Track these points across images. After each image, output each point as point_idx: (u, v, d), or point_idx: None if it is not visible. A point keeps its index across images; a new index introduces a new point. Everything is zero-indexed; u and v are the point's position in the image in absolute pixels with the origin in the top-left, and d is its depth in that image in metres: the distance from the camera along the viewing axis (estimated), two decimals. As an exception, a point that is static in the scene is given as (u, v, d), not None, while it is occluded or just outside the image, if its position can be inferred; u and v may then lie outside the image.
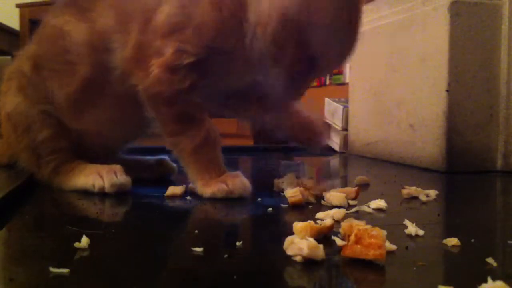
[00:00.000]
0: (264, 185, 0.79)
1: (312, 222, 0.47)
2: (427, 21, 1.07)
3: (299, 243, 0.40)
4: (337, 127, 1.50)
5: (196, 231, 0.49)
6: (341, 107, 1.48)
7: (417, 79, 1.10)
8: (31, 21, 2.90)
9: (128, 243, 0.49)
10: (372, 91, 1.30)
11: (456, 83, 1.00)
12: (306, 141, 0.85)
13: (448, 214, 0.68)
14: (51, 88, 0.77)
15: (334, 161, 1.38)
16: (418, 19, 1.10)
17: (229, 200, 0.67)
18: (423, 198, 0.70)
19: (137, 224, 0.58)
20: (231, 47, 0.69)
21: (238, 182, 0.69)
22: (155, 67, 0.68)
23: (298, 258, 0.40)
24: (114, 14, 0.73)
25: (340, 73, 2.15)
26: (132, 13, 0.72)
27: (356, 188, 0.68)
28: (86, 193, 0.73)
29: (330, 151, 1.51)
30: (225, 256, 0.42)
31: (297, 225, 0.46)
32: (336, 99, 1.55)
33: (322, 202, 0.66)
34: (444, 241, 0.46)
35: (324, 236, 0.47)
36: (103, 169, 0.74)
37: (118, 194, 0.72)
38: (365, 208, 0.62)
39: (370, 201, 0.63)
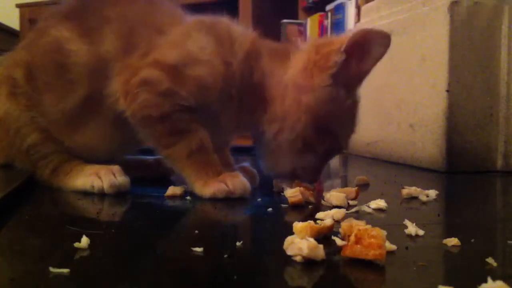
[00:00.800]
0: (264, 185, 0.79)
1: (312, 222, 0.47)
2: (427, 21, 1.07)
3: (299, 243, 0.40)
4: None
5: (196, 231, 0.49)
6: (341, 107, 1.47)
7: (417, 79, 1.10)
8: (31, 21, 2.89)
9: (128, 243, 0.49)
10: (372, 91, 1.30)
11: (456, 83, 1.00)
12: None
13: (448, 214, 0.68)
14: (44, 101, 0.76)
15: (334, 161, 1.37)
16: (418, 19, 1.10)
17: (229, 200, 0.67)
18: (423, 198, 0.70)
19: (137, 224, 0.58)
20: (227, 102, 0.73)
21: (238, 182, 0.68)
22: (145, 93, 0.69)
23: (298, 258, 0.40)
24: (119, 43, 0.73)
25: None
26: (135, 45, 0.73)
27: (356, 188, 0.68)
28: (86, 193, 0.73)
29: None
30: (225, 256, 0.42)
31: (297, 225, 0.46)
32: (336, 99, 1.55)
33: (322, 202, 0.66)
34: (444, 241, 0.46)
35: (324, 236, 0.47)
36: (102, 169, 0.74)
37: (118, 194, 0.72)
38: (365, 208, 0.62)
39: (370, 201, 0.64)
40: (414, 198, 0.70)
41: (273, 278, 0.38)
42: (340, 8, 2.05)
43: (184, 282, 0.38)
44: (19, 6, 2.96)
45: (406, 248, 0.45)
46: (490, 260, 0.40)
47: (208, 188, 0.68)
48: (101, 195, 0.72)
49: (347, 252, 0.40)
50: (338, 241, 0.44)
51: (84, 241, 0.44)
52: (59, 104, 0.75)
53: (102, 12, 0.76)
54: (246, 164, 0.88)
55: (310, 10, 2.35)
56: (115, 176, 0.73)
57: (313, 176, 0.75)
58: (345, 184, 0.93)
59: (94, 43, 0.74)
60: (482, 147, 1.02)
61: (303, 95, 0.70)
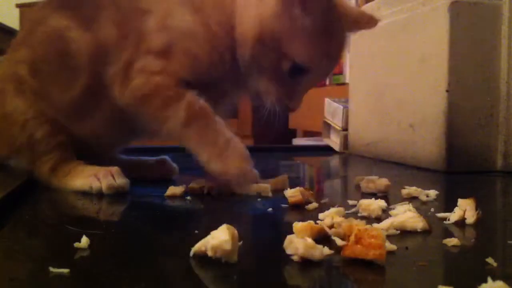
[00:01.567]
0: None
1: (312, 222, 0.47)
2: (427, 21, 1.07)
3: (297, 242, 0.40)
4: (337, 127, 1.50)
5: (196, 231, 0.49)
6: (341, 107, 1.47)
7: (417, 79, 1.10)
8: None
9: (128, 243, 0.49)
10: (372, 91, 1.30)
11: (456, 83, 1.00)
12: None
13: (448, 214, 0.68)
14: (51, 92, 0.77)
15: (334, 161, 1.38)
16: (418, 19, 1.10)
17: (229, 200, 0.67)
18: (423, 198, 0.70)
19: (137, 224, 0.58)
20: (221, 66, 0.73)
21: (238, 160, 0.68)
22: (140, 78, 0.70)
23: (295, 258, 0.40)
24: (115, 30, 0.74)
25: (340, 73, 2.15)
26: (130, 32, 0.73)
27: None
28: (86, 193, 0.73)
29: (330, 151, 1.51)
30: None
31: (297, 225, 0.46)
32: (336, 99, 1.55)
33: (322, 201, 0.66)
34: (444, 241, 0.46)
35: (324, 236, 0.47)
36: (101, 171, 0.74)
37: (117, 194, 0.72)
38: (365, 208, 0.62)
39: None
40: (414, 198, 0.70)
41: (273, 278, 0.38)
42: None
43: (184, 282, 0.38)
44: (19, 6, 2.96)
45: (406, 248, 0.45)
46: (490, 260, 0.40)
47: (218, 163, 0.68)
48: (101, 195, 0.72)
49: (347, 252, 0.40)
50: (338, 241, 0.44)
51: (84, 241, 0.44)
52: (66, 92, 0.76)
53: (96, 0, 0.77)
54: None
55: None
56: (114, 178, 0.73)
57: (278, 102, 0.73)
58: (345, 184, 0.93)
59: (92, 30, 0.75)
60: (482, 147, 1.02)
61: (255, 10, 0.69)
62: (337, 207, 0.56)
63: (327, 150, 1.53)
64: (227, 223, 0.42)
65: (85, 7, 0.77)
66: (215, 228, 0.41)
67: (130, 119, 0.76)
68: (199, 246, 0.41)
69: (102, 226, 0.57)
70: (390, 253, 0.43)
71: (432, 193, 0.71)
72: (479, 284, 0.32)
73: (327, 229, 0.47)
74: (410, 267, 0.40)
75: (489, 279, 0.33)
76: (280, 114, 0.73)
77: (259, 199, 0.68)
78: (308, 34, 0.68)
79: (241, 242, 0.41)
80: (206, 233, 0.41)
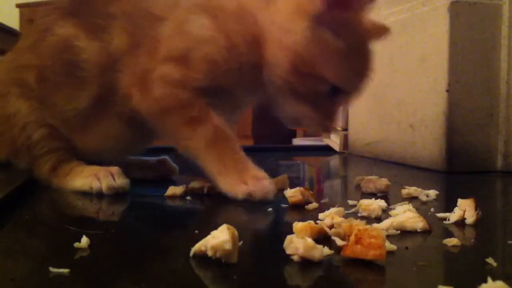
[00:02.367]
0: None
1: (312, 222, 0.47)
2: (427, 21, 1.07)
3: (297, 242, 0.40)
4: (337, 127, 1.50)
5: (196, 231, 0.49)
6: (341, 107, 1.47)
7: (417, 79, 1.10)
8: (31, 21, 2.90)
9: (128, 243, 0.49)
10: (372, 91, 1.30)
11: (456, 83, 1.00)
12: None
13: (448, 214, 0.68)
14: (56, 102, 0.76)
15: (334, 161, 1.38)
16: (418, 19, 1.10)
17: (229, 200, 0.67)
18: (423, 198, 0.70)
19: (137, 224, 0.58)
20: (239, 76, 0.72)
21: (260, 185, 0.67)
22: (161, 87, 0.70)
23: (295, 258, 0.40)
24: (127, 38, 0.73)
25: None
26: (143, 40, 0.73)
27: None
28: (85, 193, 0.73)
29: (330, 151, 1.51)
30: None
31: (297, 225, 0.46)
32: (336, 99, 1.55)
33: (322, 201, 0.66)
34: (444, 241, 0.46)
35: (324, 236, 0.47)
36: (101, 171, 0.74)
37: (118, 194, 0.72)
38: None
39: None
40: (414, 198, 0.70)
41: (272, 278, 0.38)
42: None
43: (184, 282, 0.38)
44: (19, 6, 2.97)
45: (406, 248, 0.45)
46: (490, 260, 0.40)
47: (232, 187, 0.67)
48: (101, 195, 0.72)
49: (347, 252, 0.40)
50: (338, 241, 0.44)
51: (84, 241, 0.44)
52: (71, 103, 0.76)
53: (107, 9, 0.76)
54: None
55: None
56: (113, 178, 0.73)
57: (319, 125, 0.73)
58: (345, 184, 0.93)
59: (103, 40, 0.74)
60: (482, 147, 1.02)
61: (285, 38, 0.69)
62: (337, 207, 0.56)
63: (327, 150, 1.53)
64: (227, 223, 0.42)
65: (95, 16, 0.76)
66: (215, 228, 0.41)
67: (137, 128, 0.76)
68: (199, 246, 0.41)
69: (102, 226, 0.57)
70: (390, 253, 0.43)
71: (432, 193, 0.71)
72: (479, 284, 0.32)
73: (327, 229, 0.47)
74: (410, 267, 0.40)
75: (489, 279, 0.33)
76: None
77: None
78: (341, 55, 0.68)
79: (241, 242, 0.41)
80: (206, 233, 0.41)
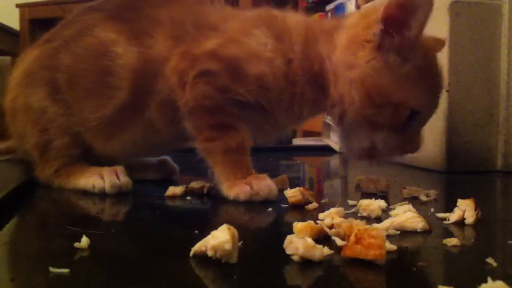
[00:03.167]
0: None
1: (312, 222, 0.47)
2: (427, 21, 1.07)
3: (297, 242, 0.41)
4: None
5: (196, 231, 0.49)
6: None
7: (417, 79, 1.10)
8: (31, 21, 2.89)
9: (128, 243, 0.49)
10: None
11: (456, 83, 1.00)
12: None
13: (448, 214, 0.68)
14: (83, 109, 0.75)
15: (334, 161, 1.38)
16: (418, 19, 1.10)
17: (229, 200, 0.67)
18: (423, 198, 0.70)
19: (137, 224, 0.58)
20: (286, 104, 0.70)
21: (263, 184, 0.67)
22: (203, 85, 0.68)
23: (295, 258, 0.40)
24: (172, 43, 0.71)
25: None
26: (185, 41, 0.71)
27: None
28: (86, 193, 0.73)
29: (330, 151, 1.51)
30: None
31: (297, 225, 0.46)
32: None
33: (322, 201, 0.66)
34: (444, 241, 0.46)
35: (324, 236, 0.47)
36: (105, 170, 0.74)
37: (118, 194, 0.72)
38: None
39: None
40: (414, 198, 0.70)
41: (272, 278, 0.38)
42: (340, 8, 2.05)
43: (184, 282, 0.38)
44: (19, 6, 2.96)
45: (406, 248, 0.45)
46: (490, 260, 0.40)
47: (233, 190, 0.67)
48: (102, 195, 0.72)
49: (347, 252, 0.40)
50: (338, 241, 0.44)
51: (84, 241, 0.44)
52: (99, 110, 0.74)
53: (155, 14, 0.74)
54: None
55: (310, 10, 2.35)
56: (117, 176, 0.73)
57: (401, 150, 0.71)
58: (345, 184, 0.93)
59: (142, 45, 0.72)
60: (482, 147, 1.02)
61: (351, 73, 0.66)
62: (337, 207, 0.56)
63: (327, 150, 1.53)
64: (227, 223, 0.42)
65: (140, 21, 0.74)
66: (215, 228, 0.41)
67: (161, 135, 0.75)
68: (199, 246, 0.41)
69: (102, 226, 0.57)
70: (390, 253, 0.43)
71: (432, 193, 0.71)
72: (479, 284, 0.32)
73: (327, 229, 0.47)
74: (410, 267, 0.40)
75: (489, 279, 0.33)
76: None
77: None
78: (414, 78, 0.66)
79: (241, 242, 0.41)
80: (206, 233, 0.41)
